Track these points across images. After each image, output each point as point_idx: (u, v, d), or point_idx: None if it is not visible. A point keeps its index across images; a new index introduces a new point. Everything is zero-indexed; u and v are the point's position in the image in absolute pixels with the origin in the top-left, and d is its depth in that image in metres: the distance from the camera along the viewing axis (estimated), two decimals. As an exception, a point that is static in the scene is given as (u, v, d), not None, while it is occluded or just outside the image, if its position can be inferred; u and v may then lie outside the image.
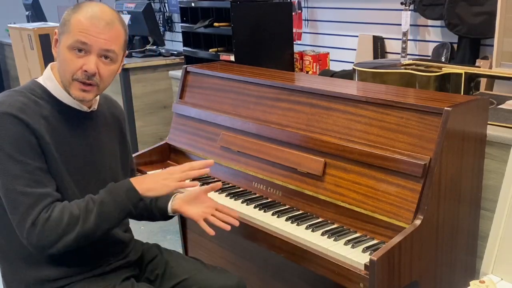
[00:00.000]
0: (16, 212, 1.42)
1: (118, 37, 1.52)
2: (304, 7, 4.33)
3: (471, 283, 1.33)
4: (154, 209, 1.76)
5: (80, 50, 1.47)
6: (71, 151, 1.54)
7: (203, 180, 2.27)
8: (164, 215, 1.75)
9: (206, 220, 1.66)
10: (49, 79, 1.55)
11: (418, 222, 1.61)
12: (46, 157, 1.47)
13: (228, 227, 1.67)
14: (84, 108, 1.59)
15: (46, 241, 1.42)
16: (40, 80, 1.57)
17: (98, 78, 1.50)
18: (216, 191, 2.14)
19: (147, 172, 2.37)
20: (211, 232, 1.65)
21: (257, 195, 2.09)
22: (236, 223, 1.69)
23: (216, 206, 1.69)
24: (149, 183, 1.53)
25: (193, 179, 1.92)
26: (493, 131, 1.86)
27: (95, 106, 1.63)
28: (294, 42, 3.65)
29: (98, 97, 1.64)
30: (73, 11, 1.50)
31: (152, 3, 5.40)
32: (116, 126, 1.75)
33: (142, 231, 3.37)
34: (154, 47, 4.46)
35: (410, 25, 3.42)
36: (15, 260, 1.54)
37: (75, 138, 1.56)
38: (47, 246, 1.43)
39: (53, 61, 1.58)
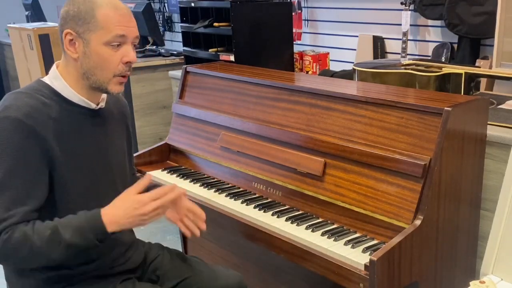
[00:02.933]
0: None
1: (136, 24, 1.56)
2: (304, 7, 4.32)
3: (471, 283, 1.32)
4: None
5: (116, 45, 1.47)
6: (80, 151, 1.52)
7: (203, 180, 2.27)
8: None
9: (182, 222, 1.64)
10: (55, 78, 1.53)
11: (418, 222, 1.61)
12: (52, 162, 1.45)
13: (198, 233, 1.65)
14: (92, 106, 1.57)
15: (7, 261, 1.43)
16: (46, 79, 1.54)
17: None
18: (216, 191, 2.15)
19: (146, 172, 2.37)
20: (189, 234, 1.64)
21: (257, 195, 2.09)
22: (204, 228, 1.66)
23: (188, 206, 1.64)
24: (123, 221, 1.42)
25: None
26: (493, 131, 1.86)
27: (102, 104, 1.61)
28: (294, 42, 3.65)
29: (105, 94, 1.61)
30: (90, 6, 1.46)
31: (152, 3, 5.40)
32: (123, 122, 1.74)
33: (142, 231, 3.37)
34: (154, 47, 4.45)
35: (410, 25, 3.42)
36: None
37: (85, 137, 1.55)
38: (9, 264, 1.47)
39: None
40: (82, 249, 1.41)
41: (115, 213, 1.42)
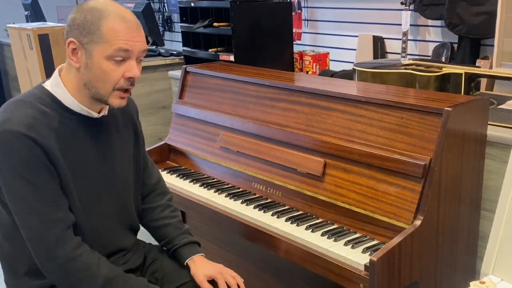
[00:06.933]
0: (30, 238, 1.40)
1: (144, 36, 1.49)
2: (304, 7, 4.32)
3: (471, 283, 1.32)
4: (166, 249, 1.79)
5: (120, 59, 1.42)
6: (82, 161, 1.50)
7: (203, 180, 2.26)
8: (172, 255, 1.77)
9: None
10: (57, 86, 1.48)
11: (418, 222, 1.61)
12: (58, 172, 1.43)
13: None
14: (95, 115, 1.53)
15: (62, 278, 1.44)
16: (48, 86, 1.50)
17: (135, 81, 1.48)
18: (216, 191, 2.14)
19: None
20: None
21: (257, 195, 2.09)
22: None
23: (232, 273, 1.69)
24: None
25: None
26: (493, 131, 1.86)
27: (105, 112, 1.56)
28: (294, 42, 3.65)
29: None
30: (96, 16, 1.39)
31: (151, 3, 5.40)
32: (130, 123, 1.70)
33: (143, 232, 3.36)
34: (154, 47, 4.45)
35: (410, 25, 3.42)
36: (19, 269, 1.52)
37: (87, 146, 1.51)
38: (57, 281, 1.46)
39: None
40: None
41: None
